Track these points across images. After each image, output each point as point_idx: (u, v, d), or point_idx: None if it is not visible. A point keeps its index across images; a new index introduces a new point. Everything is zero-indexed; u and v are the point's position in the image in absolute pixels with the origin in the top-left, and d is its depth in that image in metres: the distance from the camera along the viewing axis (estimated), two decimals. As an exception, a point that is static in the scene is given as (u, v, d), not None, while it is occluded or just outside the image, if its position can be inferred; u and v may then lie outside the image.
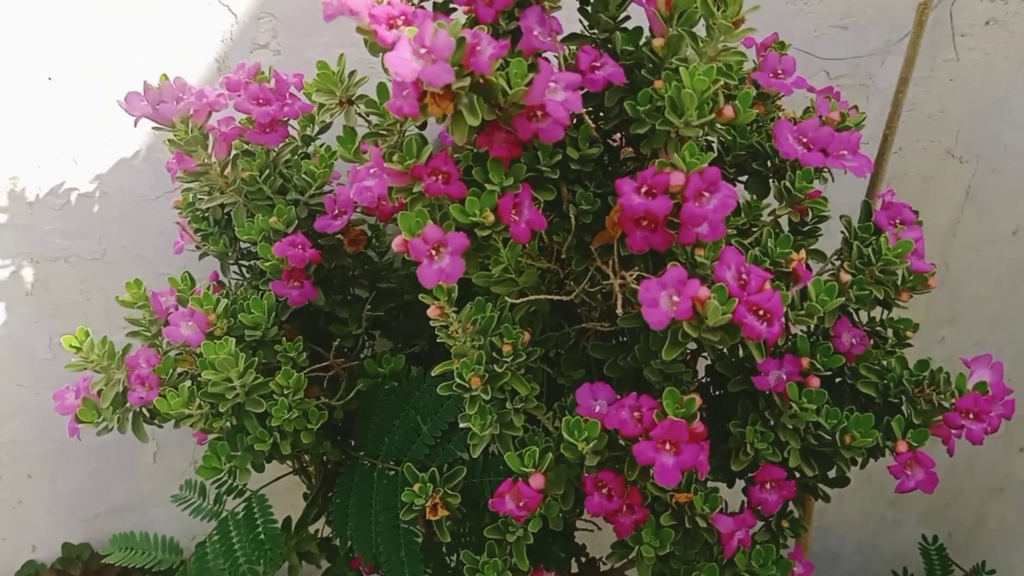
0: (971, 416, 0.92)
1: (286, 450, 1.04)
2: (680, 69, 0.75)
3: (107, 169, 1.31)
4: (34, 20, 1.18)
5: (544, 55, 0.83)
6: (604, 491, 0.85)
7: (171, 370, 1.07)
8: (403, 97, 0.76)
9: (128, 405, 1.05)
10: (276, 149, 1.09)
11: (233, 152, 1.10)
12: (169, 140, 1.05)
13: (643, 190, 0.79)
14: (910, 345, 1.05)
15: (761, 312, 0.76)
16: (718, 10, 0.77)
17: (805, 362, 0.92)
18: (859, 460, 0.97)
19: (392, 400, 1.13)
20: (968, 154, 1.56)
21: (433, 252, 0.82)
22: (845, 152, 0.90)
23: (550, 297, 0.90)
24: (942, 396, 0.95)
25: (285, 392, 1.02)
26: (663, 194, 0.78)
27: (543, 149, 0.84)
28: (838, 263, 0.95)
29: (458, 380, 0.88)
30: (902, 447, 0.94)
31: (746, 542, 0.92)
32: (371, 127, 0.88)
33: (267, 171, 1.08)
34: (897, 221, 0.95)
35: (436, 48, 0.70)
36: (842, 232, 0.99)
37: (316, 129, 1.15)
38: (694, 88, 0.75)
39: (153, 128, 1.04)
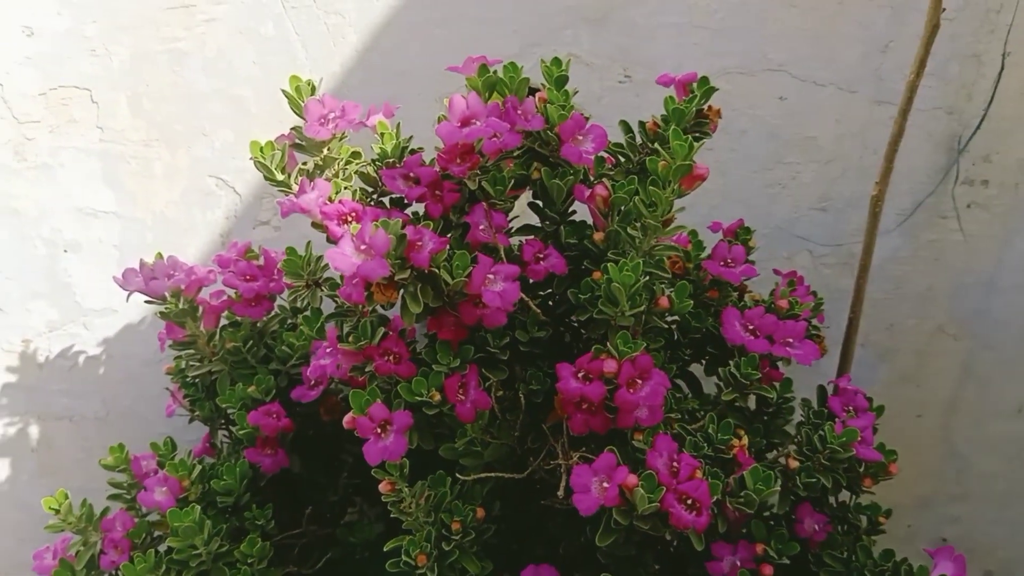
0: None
1: (250, 619, 1.05)
2: (608, 265, 0.80)
3: (114, 334, 1.38)
4: (56, 198, 1.28)
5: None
6: None
7: (144, 535, 1.10)
8: (352, 286, 0.82)
9: (100, 569, 1.08)
10: (262, 321, 1.14)
11: (221, 323, 1.16)
12: (160, 312, 1.12)
13: (580, 374, 0.83)
14: (883, 531, 1.04)
15: (690, 501, 0.77)
16: (648, 209, 0.82)
17: (759, 548, 0.92)
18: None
19: (364, 572, 1.13)
20: (961, 331, 1.57)
21: (379, 430, 0.85)
22: (791, 340, 0.93)
23: (504, 475, 0.92)
24: None
25: (249, 560, 1.04)
26: (598, 379, 0.81)
27: (492, 332, 0.88)
28: (792, 448, 0.96)
29: (404, 558, 0.89)
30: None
31: None
32: (336, 308, 0.93)
33: (251, 342, 1.13)
34: (850, 408, 0.96)
35: (375, 245, 0.76)
36: (801, 417, 1.01)
37: (305, 301, 1.21)
38: (622, 282, 0.79)
39: (145, 302, 1.11)
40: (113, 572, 1.10)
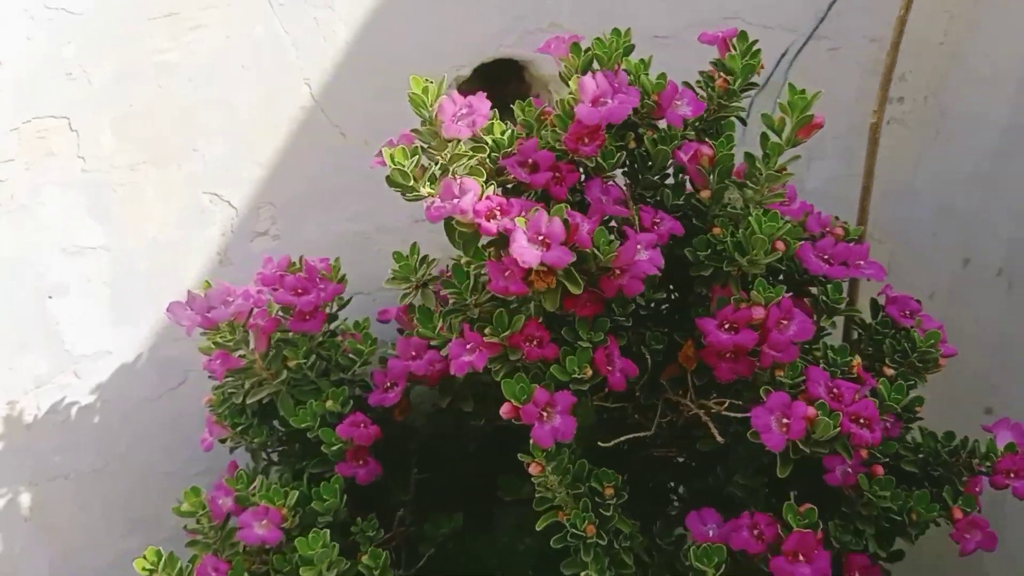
0: (1012, 475, 1.02)
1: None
2: (752, 216, 0.85)
3: (108, 377, 1.29)
4: (38, 241, 1.17)
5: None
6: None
7: (243, 573, 1.05)
8: (506, 278, 0.82)
9: (210, 618, 1.02)
10: (318, 335, 1.11)
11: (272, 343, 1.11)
12: (215, 342, 1.06)
13: (726, 326, 0.87)
14: (921, 419, 1.16)
15: (862, 420, 0.84)
16: (764, 163, 0.87)
17: (864, 453, 1.01)
18: (918, 533, 1.06)
19: (463, 560, 1.14)
20: (884, 235, 1.74)
21: (544, 413, 0.86)
22: (861, 262, 1.01)
23: (636, 435, 0.96)
24: (977, 462, 1.05)
25: (374, 572, 1.02)
26: (746, 327, 0.87)
27: (617, 301, 0.91)
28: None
29: (572, 530, 0.91)
30: (958, 514, 1.03)
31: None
32: (451, 304, 0.93)
33: (313, 356, 1.10)
34: (907, 312, 1.06)
35: (552, 234, 0.77)
36: (855, 329, 1.10)
37: (335, 307, 1.18)
38: (765, 233, 0.84)
39: (201, 333, 1.05)
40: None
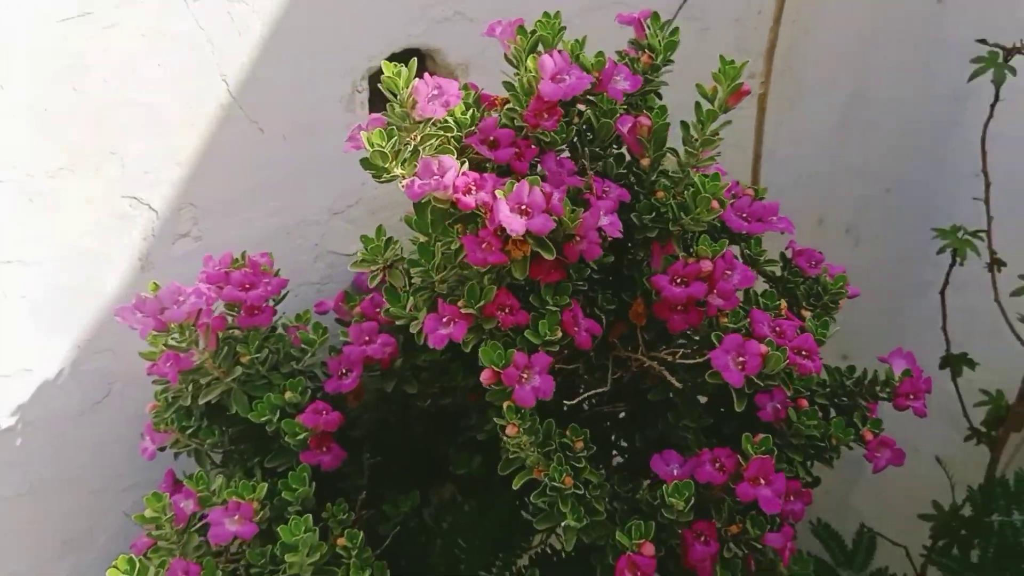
0: (911, 396, 1.16)
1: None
2: (697, 179, 0.93)
3: (30, 397, 1.23)
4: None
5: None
6: (702, 539, 0.99)
7: (215, 572, 1.05)
8: (484, 250, 0.87)
9: (187, 621, 1.02)
10: (266, 329, 1.11)
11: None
12: (166, 344, 1.05)
13: (678, 280, 0.96)
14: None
15: (804, 352, 0.94)
16: (698, 127, 0.96)
17: (789, 390, 1.12)
18: (835, 456, 1.18)
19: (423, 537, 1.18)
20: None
21: (523, 376, 0.92)
22: (773, 218, 1.12)
23: (595, 392, 1.02)
24: (878, 389, 1.19)
25: (352, 553, 1.04)
26: (696, 280, 0.95)
27: (574, 267, 0.98)
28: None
29: (551, 484, 0.97)
30: (869, 436, 1.16)
31: (793, 550, 1.09)
32: (418, 283, 0.96)
33: (265, 351, 1.10)
34: (813, 262, 1.18)
35: (534, 203, 0.83)
36: (767, 281, 1.21)
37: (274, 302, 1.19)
38: (708, 191, 0.93)
39: (153, 337, 1.04)
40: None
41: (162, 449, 1.20)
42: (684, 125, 0.98)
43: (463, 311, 0.91)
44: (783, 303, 1.05)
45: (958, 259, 1.53)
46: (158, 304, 1.01)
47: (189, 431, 1.13)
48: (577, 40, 0.99)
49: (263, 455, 1.18)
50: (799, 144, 1.94)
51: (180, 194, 1.24)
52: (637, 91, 1.03)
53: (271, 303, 1.15)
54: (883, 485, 1.66)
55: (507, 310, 0.93)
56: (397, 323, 0.99)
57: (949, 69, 1.88)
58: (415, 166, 0.86)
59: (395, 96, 0.86)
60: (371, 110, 1.35)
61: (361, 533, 1.05)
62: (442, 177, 0.83)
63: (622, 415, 1.18)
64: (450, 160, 0.84)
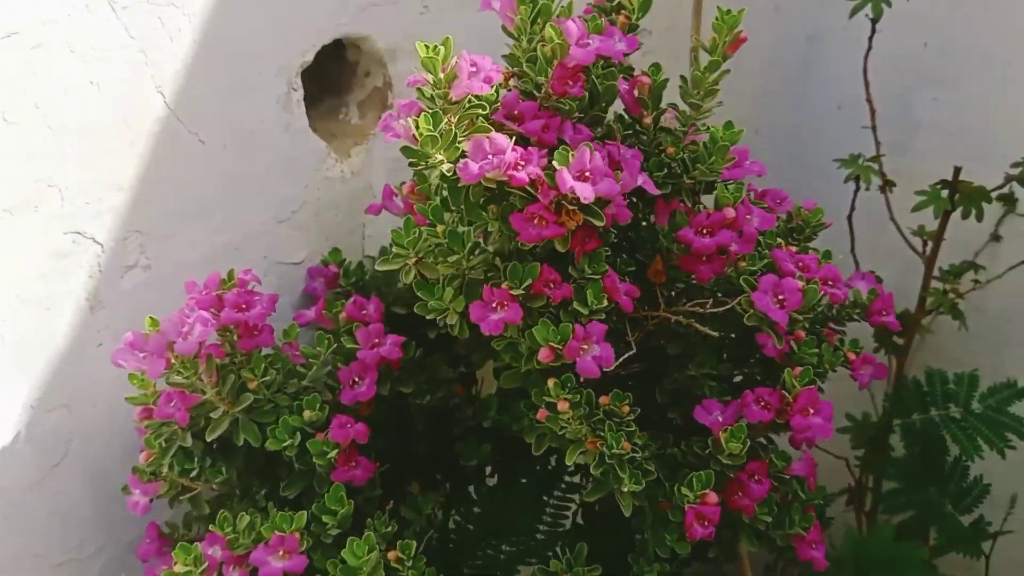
0: (883, 313, 1.24)
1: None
2: (712, 130, 0.95)
3: (-16, 472, 1.10)
4: None
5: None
6: (755, 479, 1.01)
7: (265, 616, 0.97)
8: (535, 225, 0.85)
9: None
10: (270, 349, 1.04)
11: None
12: (174, 381, 0.96)
13: (703, 231, 0.97)
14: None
15: (830, 282, 0.99)
16: (705, 75, 0.97)
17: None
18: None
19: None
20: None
21: (583, 347, 0.91)
22: (747, 162, 1.16)
23: (628, 355, 1.02)
24: (851, 311, 1.26)
25: (406, 564, 1.00)
26: (722, 228, 0.97)
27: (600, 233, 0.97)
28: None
29: (608, 452, 0.96)
30: (851, 355, 1.23)
31: (816, 476, 1.14)
32: (449, 273, 0.93)
33: (272, 372, 1.03)
34: (779, 200, 1.23)
35: (596, 169, 0.81)
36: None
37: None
38: (729, 140, 0.95)
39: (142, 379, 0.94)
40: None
41: (152, 500, 1.10)
42: (683, 79, 0.99)
43: (514, 292, 0.89)
44: (781, 241, 1.09)
45: (863, 185, 1.64)
46: (163, 339, 0.92)
47: (192, 474, 1.04)
48: (564, 6, 0.98)
49: (270, 486, 1.10)
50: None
51: (124, 222, 1.13)
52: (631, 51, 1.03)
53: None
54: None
55: (552, 285, 0.91)
56: (428, 317, 0.95)
57: (801, 11, 2.00)
58: (457, 149, 0.82)
59: (431, 75, 0.82)
60: (308, 108, 1.28)
61: (414, 543, 1.00)
62: (497, 156, 0.80)
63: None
64: (502, 138, 0.81)
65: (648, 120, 1.00)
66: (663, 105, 1.02)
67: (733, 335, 1.14)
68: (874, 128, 1.70)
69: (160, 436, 1.03)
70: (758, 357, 1.14)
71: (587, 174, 0.82)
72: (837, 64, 1.84)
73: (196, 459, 1.04)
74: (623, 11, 1.03)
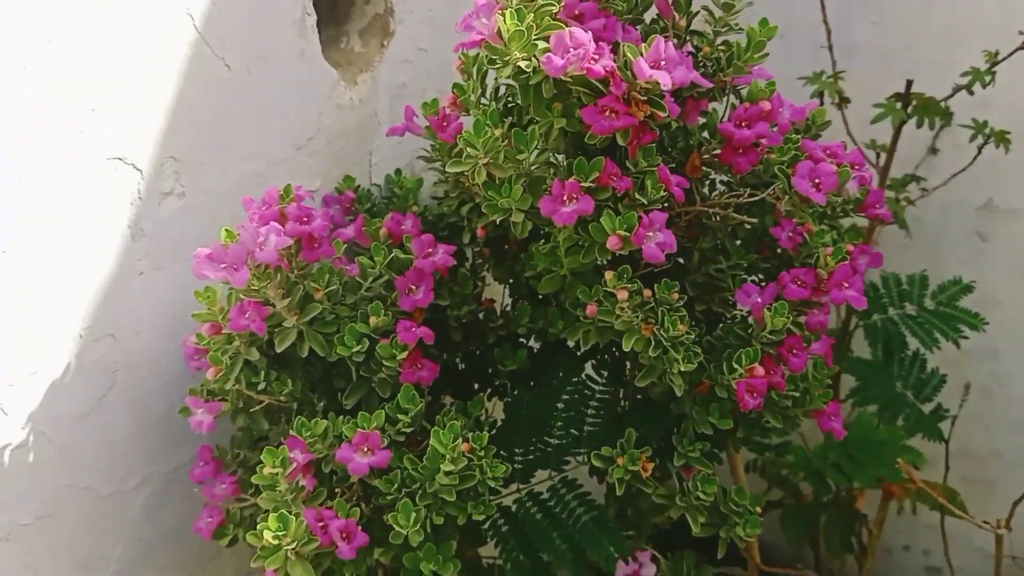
0: (877, 206, 1.34)
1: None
2: (750, 29, 1.02)
3: (38, 404, 1.09)
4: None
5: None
6: (793, 352, 1.10)
7: (347, 510, 1.01)
8: (607, 117, 0.91)
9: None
10: (328, 260, 1.07)
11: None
12: (245, 294, 0.98)
13: (742, 124, 1.04)
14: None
15: (855, 167, 1.07)
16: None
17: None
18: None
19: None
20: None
21: (648, 234, 0.97)
22: (757, 67, 1.23)
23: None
24: (846, 206, 1.36)
25: (480, 455, 1.05)
26: (759, 120, 1.05)
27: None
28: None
29: (665, 335, 1.03)
30: (850, 247, 1.32)
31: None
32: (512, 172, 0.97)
33: (335, 284, 1.06)
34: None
35: (671, 58, 0.87)
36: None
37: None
38: (764, 34, 1.02)
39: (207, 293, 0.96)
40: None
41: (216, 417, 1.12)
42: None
43: (584, 184, 0.94)
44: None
45: (828, 99, 1.74)
46: (243, 249, 0.94)
47: (260, 387, 1.06)
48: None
49: (329, 398, 1.14)
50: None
51: (161, 148, 1.13)
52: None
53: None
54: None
55: (615, 177, 0.97)
56: (493, 217, 1.00)
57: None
58: (535, 45, 0.87)
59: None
60: (320, 33, 1.30)
61: (486, 434, 1.05)
62: (579, 48, 0.85)
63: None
64: (582, 32, 0.86)
65: (682, 22, 1.06)
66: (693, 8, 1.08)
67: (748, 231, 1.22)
68: (830, 47, 1.81)
69: (225, 352, 1.05)
70: (771, 253, 1.23)
71: (663, 63, 0.88)
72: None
73: (262, 372, 1.06)
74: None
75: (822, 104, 1.78)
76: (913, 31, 1.95)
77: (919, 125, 1.73)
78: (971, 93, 1.69)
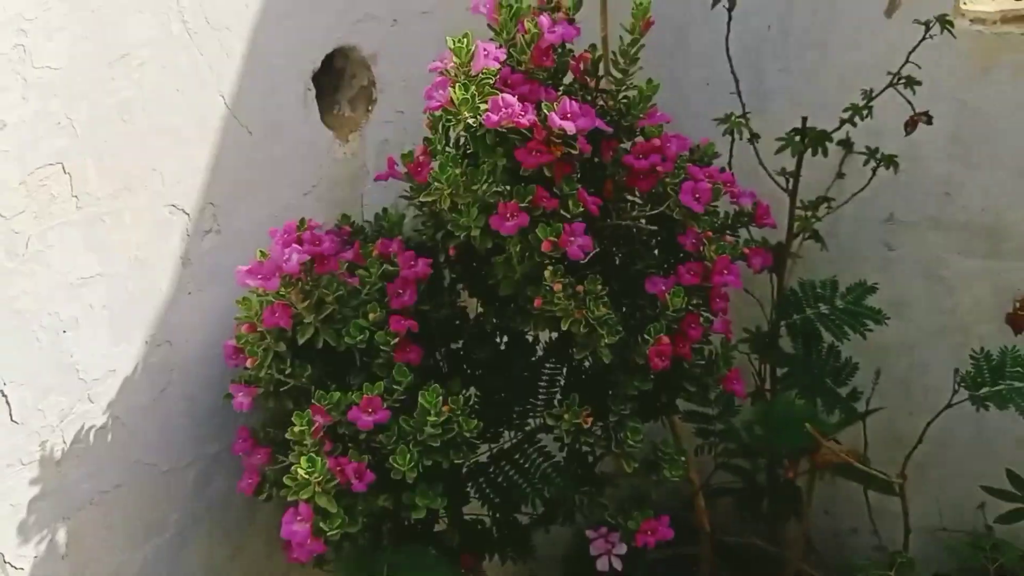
0: (765, 217, 1.70)
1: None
2: (637, 85, 1.38)
3: (115, 394, 1.42)
4: (51, 283, 1.29)
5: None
6: (692, 326, 1.44)
7: (360, 456, 1.34)
8: (534, 155, 1.26)
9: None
10: (335, 274, 1.41)
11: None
12: (279, 295, 1.32)
13: (640, 156, 1.40)
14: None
15: (727, 185, 1.43)
16: (630, 47, 1.40)
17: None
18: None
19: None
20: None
21: (571, 239, 1.32)
22: (658, 113, 1.59)
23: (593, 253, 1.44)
24: (741, 219, 1.71)
25: (458, 415, 1.38)
26: (652, 152, 1.40)
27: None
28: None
29: (593, 316, 1.38)
30: (747, 250, 1.68)
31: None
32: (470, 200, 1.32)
33: (341, 290, 1.40)
34: (681, 140, 1.68)
35: (575, 112, 1.23)
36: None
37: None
38: (649, 91, 1.38)
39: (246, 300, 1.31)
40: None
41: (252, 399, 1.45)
42: (613, 53, 1.42)
43: (520, 206, 1.29)
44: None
45: (738, 136, 2.11)
46: (273, 264, 1.28)
47: (287, 372, 1.40)
48: (524, 7, 1.39)
49: (338, 380, 1.47)
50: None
51: (203, 197, 1.48)
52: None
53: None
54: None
55: (545, 199, 1.32)
56: (458, 234, 1.34)
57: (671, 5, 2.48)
58: (478, 108, 1.23)
59: (458, 58, 1.21)
60: (319, 104, 1.66)
61: (462, 396, 1.39)
62: (508, 108, 1.21)
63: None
64: (511, 96, 1.22)
65: (592, 84, 1.42)
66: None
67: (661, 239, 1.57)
68: (739, 92, 2.18)
69: (259, 346, 1.39)
70: (679, 256, 1.58)
71: (569, 115, 1.23)
72: (701, 46, 2.30)
73: (288, 360, 1.40)
74: (562, 8, 1.45)
75: (734, 139, 2.14)
76: (813, 76, 2.32)
77: (814, 154, 2.10)
78: (854, 124, 2.05)
